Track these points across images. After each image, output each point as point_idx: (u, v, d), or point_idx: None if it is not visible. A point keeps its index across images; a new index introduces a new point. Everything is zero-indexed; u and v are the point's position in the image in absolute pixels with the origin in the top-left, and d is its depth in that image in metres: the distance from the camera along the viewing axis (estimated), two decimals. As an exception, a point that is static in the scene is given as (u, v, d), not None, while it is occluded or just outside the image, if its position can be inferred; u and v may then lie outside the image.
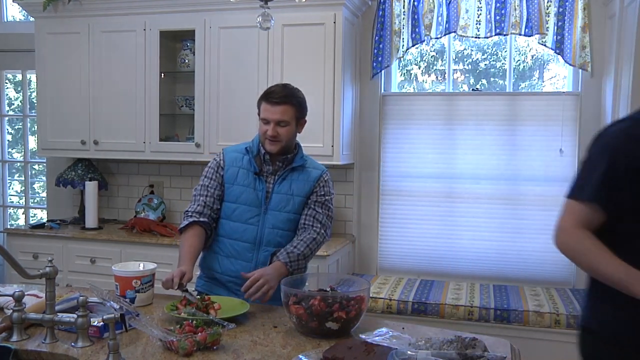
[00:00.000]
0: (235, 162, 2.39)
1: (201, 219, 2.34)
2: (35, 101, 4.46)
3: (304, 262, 2.32)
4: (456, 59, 4.14)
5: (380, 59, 3.91)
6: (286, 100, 2.29)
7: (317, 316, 1.83)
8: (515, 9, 3.59)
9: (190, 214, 2.36)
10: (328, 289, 1.99)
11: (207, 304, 2.03)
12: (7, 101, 5.13)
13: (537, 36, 3.66)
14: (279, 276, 2.17)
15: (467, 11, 3.68)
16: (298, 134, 2.39)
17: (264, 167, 2.37)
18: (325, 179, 2.43)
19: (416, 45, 3.87)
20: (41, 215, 5.08)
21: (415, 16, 3.79)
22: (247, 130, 3.76)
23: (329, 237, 2.44)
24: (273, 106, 2.28)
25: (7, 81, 5.18)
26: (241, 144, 2.46)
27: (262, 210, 2.34)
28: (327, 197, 2.42)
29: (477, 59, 4.09)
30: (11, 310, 1.84)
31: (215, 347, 1.74)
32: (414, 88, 4.22)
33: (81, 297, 1.76)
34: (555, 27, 3.62)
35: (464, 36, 3.73)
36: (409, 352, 1.52)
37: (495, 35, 3.66)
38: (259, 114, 2.35)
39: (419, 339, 1.64)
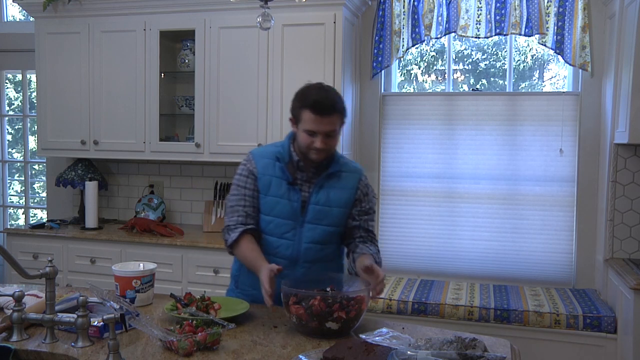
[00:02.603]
0: (267, 169, 2.19)
1: (248, 227, 2.18)
2: (35, 101, 4.46)
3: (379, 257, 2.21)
4: (456, 59, 4.14)
5: (380, 59, 3.91)
6: (335, 109, 2.09)
7: (317, 316, 1.83)
8: (515, 9, 3.59)
9: (233, 226, 2.19)
10: (328, 289, 1.99)
11: (207, 304, 2.03)
12: (7, 101, 5.13)
13: (537, 36, 3.66)
14: None
15: (467, 11, 3.68)
16: None
17: (297, 175, 2.18)
18: (365, 183, 2.28)
19: (416, 45, 3.87)
20: (41, 215, 5.08)
21: (415, 16, 3.80)
22: (247, 130, 3.77)
23: None
24: (322, 117, 2.06)
25: (7, 81, 5.18)
26: (269, 147, 2.29)
27: (299, 224, 2.16)
28: (370, 205, 2.27)
29: (477, 59, 4.09)
30: (11, 310, 1.84)
31: (215, 347, 1.74)
32: (414, 88, 4.22)
33: (81, 297, 1.75)
34: (555, 27, 3.62)
35: (464, 36, 3.73)
36: (409, 352, 1.52)
37: (495, 35, 3.66)
38: (294, 121, 2.15)
39: (419, 339, 1.64)
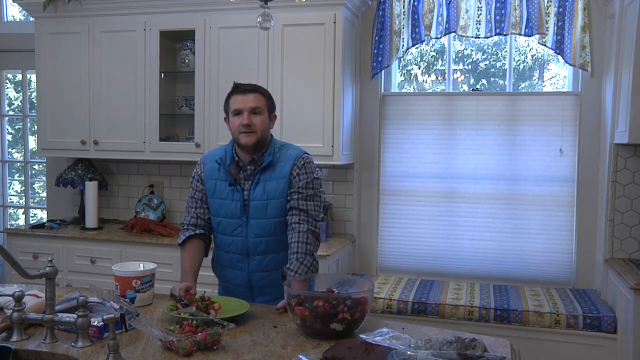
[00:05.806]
0: (212, 174, 2.37)
1: (197, 232, 2.39)
2: (35, 101, 4.46)
3: (311, 261, 2.26)
4: (456, 59, 4.14)
5: (380, 59, 3.91)
6: (256, 88, 2.34)
7: (321, 317, 1.82)
8: (515, 9, 3.59)
9: (185, 226, 2.42)
10: (335, 290, 1.98)
11: (207, 304, 2.03)
12: (7, 101, 5.14)
13: (537, 36, 3.66)
14: None
15: (467, 11, 3.68)
16: (271, 130, 2.38)
17: (240, 174, 2.33)
18: (300, 165, 2.31)
19: (416, 45, 3.87)
20: (41, 215, 5.08)
21: (415, 16, 3.80)
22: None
23: (321, 223, 2.35)
24: (244, 95, 2.29)
25: (7, 81, 5.18)
26: (217, 150, 2.43)
27: (244, 221, 2.31)
28: (305, 182, 2.29)
29: (477, 59, 4.09)
30: (11, 310, 1.84)
31: (215, 347, 1.74)
32: (414, 88, 4.22)
33: (81, 297, 1.75)
34: (555, 27, 3.62)
35: (464, 36, 3.73)
36: (409, 352, 1.51)
37: (495, 35, 3.66)
38: (227, 115, 2.34)
39: (419, 339, 1.64)
